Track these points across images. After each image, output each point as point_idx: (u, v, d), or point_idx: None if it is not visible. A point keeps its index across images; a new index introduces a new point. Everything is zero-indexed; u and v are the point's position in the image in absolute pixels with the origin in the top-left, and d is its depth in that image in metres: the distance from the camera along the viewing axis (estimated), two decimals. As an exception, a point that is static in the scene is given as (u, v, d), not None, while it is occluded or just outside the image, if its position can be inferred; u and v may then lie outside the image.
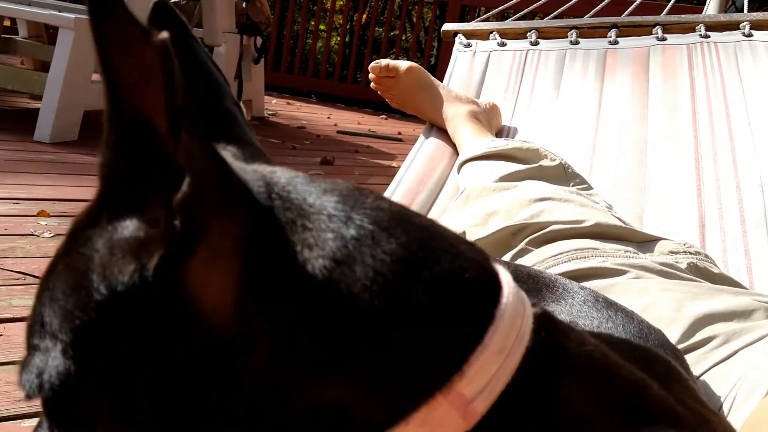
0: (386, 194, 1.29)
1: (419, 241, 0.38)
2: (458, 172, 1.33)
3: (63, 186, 2.36)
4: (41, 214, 2.09)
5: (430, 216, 1.28)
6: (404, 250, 0.38)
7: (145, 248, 0.35)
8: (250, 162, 0.44)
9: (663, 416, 0.43)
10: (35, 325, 0.40)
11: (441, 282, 0.38)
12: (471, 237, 1.01)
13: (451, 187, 1.37)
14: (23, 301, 1.53)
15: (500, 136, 1.57)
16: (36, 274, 1.65)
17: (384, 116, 5.34)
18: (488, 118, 1.55)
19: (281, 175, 0.40)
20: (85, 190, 2.38)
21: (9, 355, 1.30)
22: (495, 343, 0.37)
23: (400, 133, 4.52)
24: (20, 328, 1.40)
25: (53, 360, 0.38)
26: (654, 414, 0.42)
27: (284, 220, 0.37)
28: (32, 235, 1.92)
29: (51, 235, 1.94)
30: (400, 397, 0.36)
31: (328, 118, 4.96)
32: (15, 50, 4.00)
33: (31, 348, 0.40)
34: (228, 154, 0.44)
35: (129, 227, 0.36)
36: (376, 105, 5.35)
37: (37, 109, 2.89)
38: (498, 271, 0.41)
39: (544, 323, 0.41)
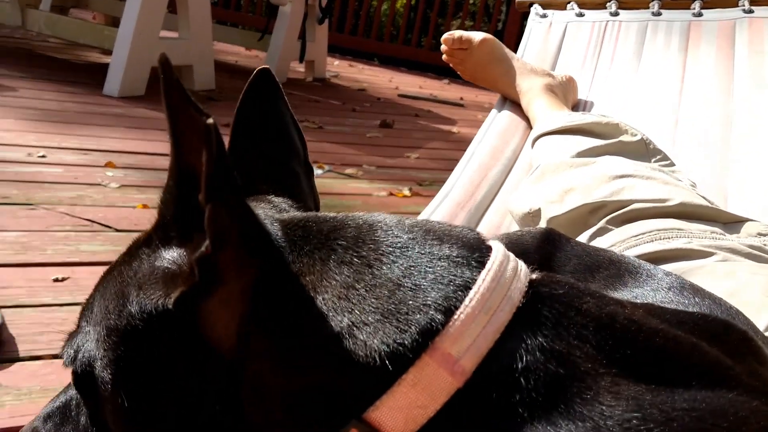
0: (458, 169, 1.27)
1: (395, 244, 0.45)
2: (532, 146, 1.28)
3: (129, 139, 2.41)
4: (108, 165, 2.13)
5: (502, 191, 1.26)
6: (379, 253, 0.44)
7: (173, 282, 0.43)
8: (288, 211, 0.52)
9: (711, 379, 0.41)
10: (87, 310, 0.49)
11: (414, 266, 0.43)
12: (547, 214, 0.97)
13: (524, 163, 1.33)
14: (90, 247, 1.57)
15: (576, 110, 1.51)
16: (103, 222, 1.69)
17: (446, 81, 5.26)
18: (564, 92, 1.50)
19: (305, 223, 0.47)
20: (150, 144, 2.42)
21: (76, 296, 1.33)
22: (477, 304, 0.41)
23: (462, 99, 4.45)
24: (87, 272, 1.43)
25: (88, 344, 0.47)
26: (692, 375, 0.40)
27: (293, 268, 0.44)
28: (100, 185, 1.96)
29: (117, 185, 1.98)
30: (386, 363, 0.40)
31: (390, 81, 4.92)
32: (87, 5, 4.08)
33: (79, 326, 0.49)
34: (266, 205, 0.52)
35: (168, 259, 0.44)
36: (438, 69, 5.27)
37: (107, 64, 2.95)
38: (490, 246, 0.46)
39: (545, 286, 0.43)
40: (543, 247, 0.68)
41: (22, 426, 0.95)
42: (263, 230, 0.44)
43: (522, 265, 0.45)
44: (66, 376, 1.08)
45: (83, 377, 0.47)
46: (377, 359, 0.40)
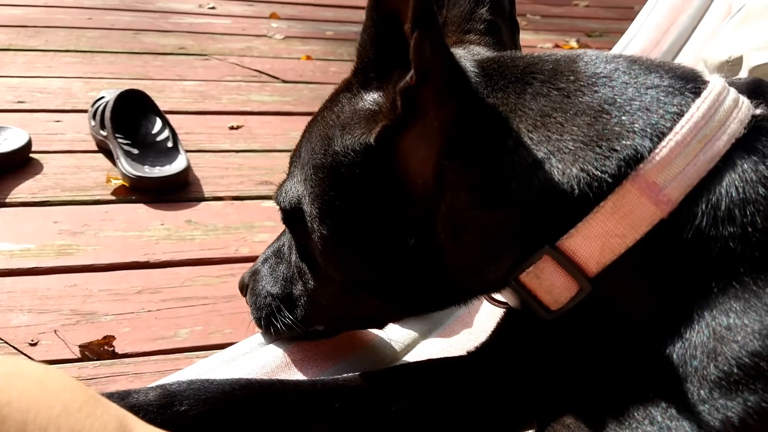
0: (643, 14, 1.15)
1: (597, 74, 0.44)
2: (732, -15, 1.12)
3: (292, -11, 2.41)
4: (273, 16, 2.16)
5: (693, 39, 1.13)
6: (579, 84, 0.43)
7: (374, 119, 0.44)
8: (484, 55, 0.50)
9: None
10: (294, 157, 0.53)
11: (619, 94, 0.42)
12: (750, 63, 0.86)
13: (722, 5, 1.16)
14: (260, 97, 1.64)
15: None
16: (270, 73, 1.75)
17: None
18: None
19: (500, 60, 0.47)
20: (311, -5, 2.42)
21: (250, 144, 1.42)
22: (689, 131, 0.40)
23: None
24: (258, 121, 1.51)
25: (297, 184, 0.51)
26: None
27: (489, 102, 0.44)
28: (265, 36, 2.00)
29: (281, 37, 2.01)
30: (584, 190, 0.40)
31: None
32: None
33: (288, 173, 0.53)
34: (464, 51, 0.51)
35: (368, 99, 0.46)
36: None
37: None
38: (707, 80, 0.44)
39: None
40: (751, 98, 0.61)
41: (212, 258, 1.05)
42: (460, 67, 0.44)
43: (744, 99, 0.42)
44: (252, 218, 1.16)
45: (292, 213, 0.52)
46: (574, 187, 0.40)
